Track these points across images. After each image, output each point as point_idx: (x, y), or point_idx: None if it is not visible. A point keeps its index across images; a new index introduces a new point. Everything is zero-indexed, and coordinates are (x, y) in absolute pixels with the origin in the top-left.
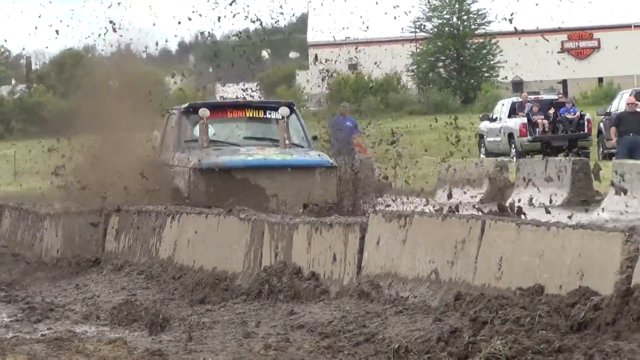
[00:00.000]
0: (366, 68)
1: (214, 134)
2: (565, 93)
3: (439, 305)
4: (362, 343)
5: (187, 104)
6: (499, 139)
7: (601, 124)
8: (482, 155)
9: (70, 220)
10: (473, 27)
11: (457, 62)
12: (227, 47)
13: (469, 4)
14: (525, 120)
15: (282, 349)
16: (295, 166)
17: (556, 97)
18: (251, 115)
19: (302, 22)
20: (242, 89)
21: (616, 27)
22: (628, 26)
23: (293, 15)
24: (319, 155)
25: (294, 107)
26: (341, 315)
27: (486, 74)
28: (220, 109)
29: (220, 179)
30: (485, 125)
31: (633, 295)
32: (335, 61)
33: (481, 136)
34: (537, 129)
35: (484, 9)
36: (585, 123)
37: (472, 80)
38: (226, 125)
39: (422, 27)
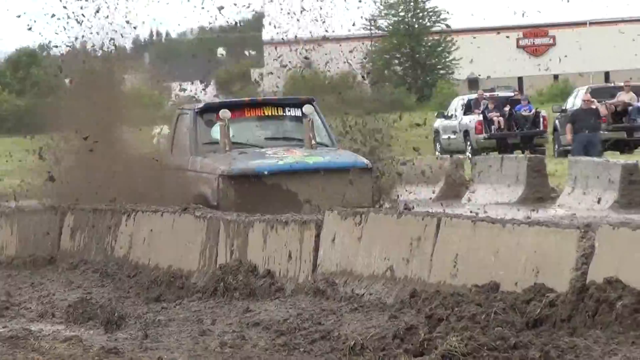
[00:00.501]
0: (321, 65)
1: (232, 135)
2: (520, 90)
3: (395, 302)
4: (318, 340)
5: (203, 103)
6: (454, 136)
7: (557, 121)
8: (437, 153)
9: (25, 219)
10: (428, 24)
11: (412, 60)
12: (183, 45)
13: (424, 2)
14: (480, 117)
15: (237, 346)
16: (329, 169)
17: (512, 94)
18: (270, 113)
19: (257, 20)
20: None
21: (571, 24)
22: (583, 23)
23: (249, 6)
24: (352, 155)
25: (315, 104)
26: (297, 313)
27: (441, 72)
28: (237, 108)
29: (250, 185)
30: (440, 122)
31: (588, 292)
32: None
33: (437, 133)
34: (493, 127)
35: (437, 7)
36: (541, 120)
37: (428, 78)
38: (245, 126)
39: (376, 24)
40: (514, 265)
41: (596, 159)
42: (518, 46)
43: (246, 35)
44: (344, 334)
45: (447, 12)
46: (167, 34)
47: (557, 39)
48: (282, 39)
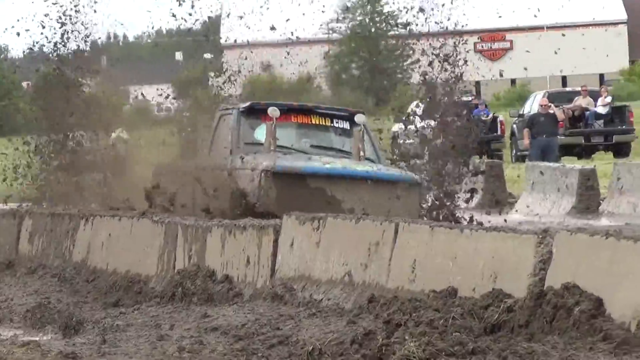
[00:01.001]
0: (279, 69)
1: (277, 139)
2: (478, 94)
3: (353, 307)
4: (276, 345)
5: (248, 103)
6: (412, 140)
7: (514, 126)
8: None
9: None
10: (386, 29)
11: (370, 64)
12: (141, 49)
13: (381, 6)
14: None
15: (195, 351)
16: (376, 179)
17: (469, 98)
18: (318, 122)
19: (215, 24)
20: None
21: (528, 28)
22: (540, 27)
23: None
24: (401, 170)
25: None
26: (255, 318)
27: (399, 75)
28: (284, 112)
29: (294, 185)
30: (399, 126)
31: (546, 298)
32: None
33: (394, 137)
34: None
35: (395, 11)
36: (499, 125)
37: (385, 82)
38: (291, 131)
39: (334, 29)
40: (472, 271)
41: (553, 164)
42: (475, 50)
43: (204, 39)
44: (302, 339)
45: (401, 16)
46: (125, 37)
47: (514, 43)
48: (237, 41)
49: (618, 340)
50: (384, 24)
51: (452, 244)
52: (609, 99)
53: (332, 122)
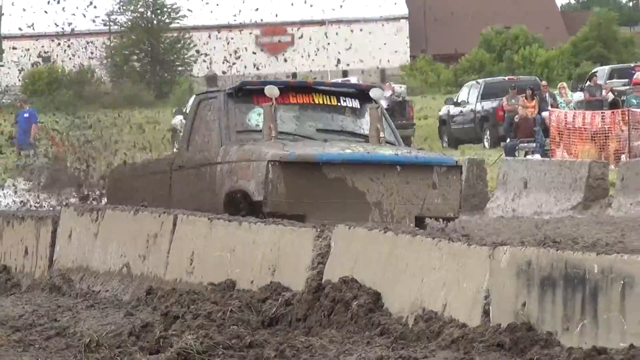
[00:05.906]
0: (59, 61)
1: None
2: None
3: (131, 299)
4: (54, 337)
5: (238, 82)
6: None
7: None
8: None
9: None
10: (167, 21)
11: (151, 56)
12: None
13: None
14: None
15: None
16: (408, 164)
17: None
18: (322, 101)
19: None
20: None
21: (311, 22)
22: (322, 22)
23: None
24: (435, 152)
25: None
26: (32, 309)
27: (180, 68)
28: (281, 91)
29: (308, 177)
30: (179, 119)
31: (324, 291)
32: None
33: (175, 130)
34: None
35: (176, 4)
36: None
37: (166, 75)
38: (289, 114)
39: (115, 20)
40: (250, 264)
41: None
42: (257, 43)
43: None
44: (79, 331)
45: (182, 8)
46: None
47: (295, 37)
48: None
49: (395, 334)
50: (165, 17)
51: (231, 236)
52: (388, 94)
53: (338, 100)
